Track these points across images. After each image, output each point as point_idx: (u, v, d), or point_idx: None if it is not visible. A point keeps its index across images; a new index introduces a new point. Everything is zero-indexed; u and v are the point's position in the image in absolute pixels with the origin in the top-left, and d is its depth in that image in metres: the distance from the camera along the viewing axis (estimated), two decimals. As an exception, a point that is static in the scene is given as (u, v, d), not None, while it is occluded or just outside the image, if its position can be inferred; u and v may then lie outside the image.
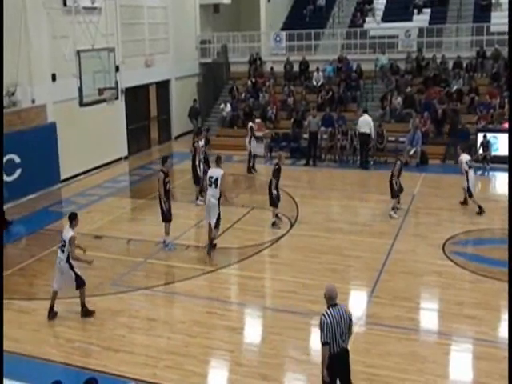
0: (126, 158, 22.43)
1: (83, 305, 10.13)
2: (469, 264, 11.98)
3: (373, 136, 20.10)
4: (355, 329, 8.46)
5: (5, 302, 10.14)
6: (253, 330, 10.12)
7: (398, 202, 15.29)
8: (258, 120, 22.69)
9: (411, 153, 19.99)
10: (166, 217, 13.01)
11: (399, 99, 22.31)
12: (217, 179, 12.66)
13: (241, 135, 22.72)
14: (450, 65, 23.61)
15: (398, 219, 14.71)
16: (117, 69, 17.42)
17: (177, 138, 26.02)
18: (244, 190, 18.21)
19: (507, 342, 8.62)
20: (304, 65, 25.34)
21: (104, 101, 16.26)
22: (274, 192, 14.26)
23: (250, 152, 19.76)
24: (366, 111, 20.44)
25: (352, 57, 25.14)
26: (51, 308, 10.16)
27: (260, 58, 26.50)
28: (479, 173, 19.14)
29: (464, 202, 15.51)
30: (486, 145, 19.60)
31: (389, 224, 14.50)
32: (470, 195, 15.15)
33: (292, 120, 22.57)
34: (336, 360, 6.90)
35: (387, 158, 19.61)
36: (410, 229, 14.28)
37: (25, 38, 16.75)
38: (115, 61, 16.92)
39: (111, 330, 9.76)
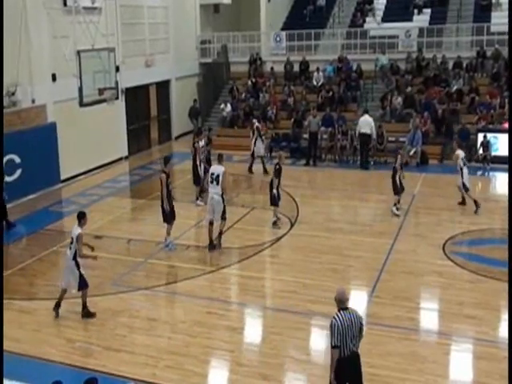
0: (126, 157, 22.43)
1: (84, 305, 10.13)
2: (469, 264, 11.98)
3: (374, 136, 20.11)
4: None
5: (5, 301, 10.13)
6: (253, 329, 10.12)
7: (398, 202, 15.29)
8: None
9: (411, 153, 20.00)
10: (168, 218, 13.01)
11: (399, 99, 22.31)
12: (218, 176, 12.79)
13: (241, 135, 22.76)
14: (450, 65, 23.61)
15: (399, 219, 14.71)
16: (117, 69, 17.43)
17: (177, 138, 26.02)
18: (244, 189, 18.21)
19: (507, 341, 8.62)
20: (304, 65, 25.34)
21: (104, 101, 16.25)
22: (274, 191, 14.27)
23: (253, 152, 19.64)
24: (366, 111, 20.44)
25: (352, 57, 25.14)
26: (58, 304, 10.14)
27: (260, 58, 26.51)
28: (479, 173, 19.19)
29: (462, 203, 15.52)
30: (486, 145, 19.61)
31: (389, 224, 14.51)
32: (467, 190, 15.22)
33: (292, 120, 22.57)
34: (346, 364, 6.83)
35: (387, 158, 19.60)
36: (411, 229, 14.29)
37: (25, 37, 16.75)
38: (115, 61, 16.91)
39: (111, 329, 9.76)
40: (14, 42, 16.13)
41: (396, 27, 25.86)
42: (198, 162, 16.40)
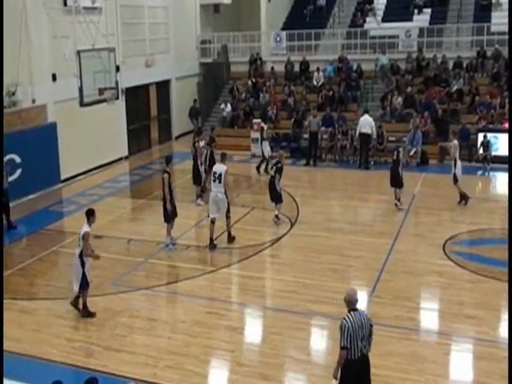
0: (126, 157, 22.44)
1: (84, 305, 10.13)
2: (469, 264, 11.98)
3: (374, 136, 20.12)
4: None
5: (5, 301, 10.12)
6: (253, 329, 10.12)
7: (399, 200, 15.34)
8: (257, 120, 22.70)
9: (411, 153, 20.00)
10: (169, 218, 13.02)
11: (399, 99, 22.31)
12: (220, 174, 12.95)
13: (241, 135, 22.77)
14: (451, 65, 23.61)
15: (399, 219, 14.71)
16: (117, 69, 17.43)
17: (177, 137, 26.02)
18: (244, 189, 18.21)
19: (507, 341, 8.63)
20: (304, 65, 25.34)
21: (104, 101, 16.25)
22: (278, 188, 14.43)
23: (263, 153, 19.59)
24: (366, 111, 20.45)
25: (352, 57, 25.15)
26: (84, 304, 10.13)
27: (260, 58, 26.50)
28: (479, 173, 19.20)
29: (461, 202, 15.60)
30: (487, 145, 19.62)
31: (389, 224, 14.52)
32: (456, 181, 15.40)
33: (292, 120, 22.57)
34: (356, 366, 6.79)
35: (387, 158, 19.59)
36: (411, 229, 14.29)
37: (25, 37, 16.75)
38: (115, 61, 16.92)
39: (112, 329, 9.76)
40: (14, 41, 16.13)
41: (396, 27, 25.85)
42: (198, 162, 16.43)
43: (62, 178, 18.70)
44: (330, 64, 25.13)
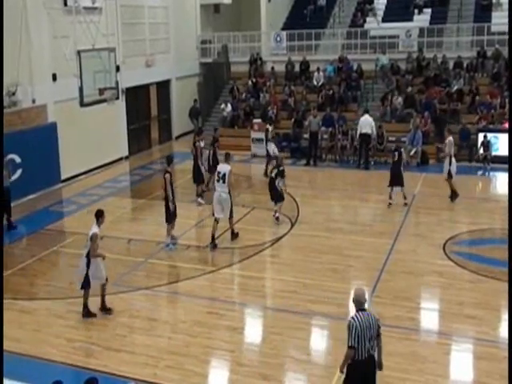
0: (126, 157, 22.44)
1: (85, 305, 10.13)
2: (469, 264, 11.98)
3: (374, 136, 20.12)
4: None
5: (5, 301, 10.12)
6: (253, 329, 10.12)
7: (405, 197, 15.51)
8: (258, 120, 22.71)
9: (412, 153, 20.00)
10: (171, 218, 13.03)
11: (400, 99, 22.30)
12: (224, 174, 13.06)
13: (241, 135, 22.76)
14: (451, 65, 23.60)
15: (399, 219, 14.71)
16: (117, 69, 17.44)
17: (177, 137, 26.02)
18: (245, 189, 18.20)
19: (507, 341, 8.62)
20: (304, 65, 25.33)
21: (104, 101, 16.25)
22: (280, 187, 14.54)
23: (268, 152, 19.54)
24: (367, 111, 20.44)
25: (352, 57, 25.14)
26: (103, 299, 10.15)
27: (260, 58, 26.49)
28: (480, 173, 19.21)
29: (452, 196, 15.85)
30: (487, 145, 19.61)
31: (389, 224, 14.52)
32: (450, 177, 15.59)
33: (292, 120, 22.56)
34: (363, 366, 6.76)
35: (387, 158, 19.58)
36: (411, 229, 14.29)
37: (25, 37, 16.76)
38: (116, 61, 16.92)
39: (112, 329, 9.76)
40: (15, 41, 16.13)
41: (396, 27, 25.84)
42: (199, 161, 16.45)
43: (63, 177, 18.70)
44: (331, 64, 25.11)
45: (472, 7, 26.60)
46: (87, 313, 10.12)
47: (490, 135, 19.85)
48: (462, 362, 8.85)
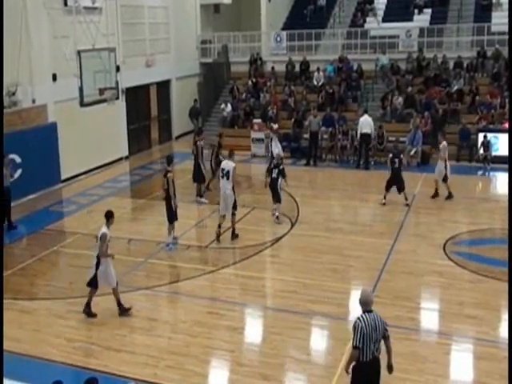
0: (126, 157, 22.44)
1: (88, 304, 10.11)
2: (469, 264, 11.98)
3: (373, 136, 20.12)
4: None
5: (5, 301, 10.11)
6: (253, 329, 10.13)
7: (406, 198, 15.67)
8: (258, 120, 22.71)
9: (412, 153, 20.00)
10: (174, 217, 13.04)
11: (400, 99, 22.30)
12: (228, 171, 13.30)
13: (241, 135, 22.75)
14: (451, 65, 23.59)
15: (399, 219, 14.71)
16: (117, 69, 17.44)
17: (177, 137, 26.02)
18: (245, 189, 18.20)
19: (507, 341, 8.61)
20: (305, 65, 25.33)
21: (105, 101, 16.25)
22: (280, 186, 14.68)
23: (272, 155, 19.44)
24: (366, 111, 20.45)
25: (352, 57, 25.14)
26: (118, 303, 10.14)
27: (260, 58, 26.49)
28: (480, 173, 19.21)
29: (436, 195, 16.12)
30: (487, 145, 19.61)
31: (389, 224, 14.52)
32: (445, 180, 15.79)
33: (292, 120, 22.55)
34: (367, 368, 6.73)
35: (387, 159, 19.56)
36: (411, 229, 14.29)
37: (25, 37, 16.75)
38: (116, 61, 16.92)
39: (112, 329, 9.76)
40: (15, 41, 16.13)
41: (396, 27, 25.83)
42: (200, 161, 16.48)
43: (63, 177, 18.70)
44: (331, 64, 25.11)
45: (472, 7, 26.60)
46: (88, 312, 10.11)
47: (490, 135, 19.85)
48: (462, 362, 8.85)
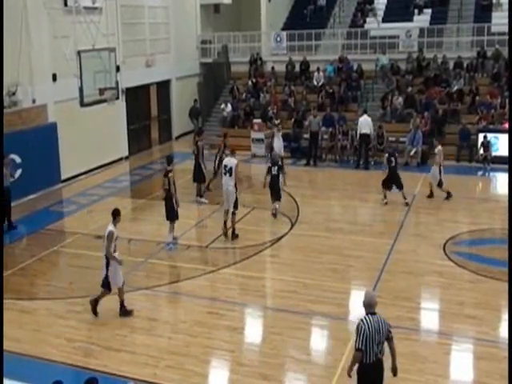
0: (126, 157, 22.43)
1: (96, 300, 10.08)
2: (469, 264, 11.99)
3: (372, 136, 20.13)
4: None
5: (5, 301, 10.11)
6: (253, 329, 10.13)
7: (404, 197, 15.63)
8: (258, 120, 22.70)
9: (412, 153, 20.00)
10: (175, 216, 13.06)
11: (400, 99, 22.30)
12: (231, 168, 13.41)
13: (241, 135, 22.75)
14: (451, 65, 23.59)
15: (399, 219, 14.72)
16: (117, 69, 17.43)
17: (177, 138, 26.02)
18: (245, 189, 18.19)
19: (507, 341, 8.61)
20: (305, 65, 25.34)
21: (105, 101, 16.24)
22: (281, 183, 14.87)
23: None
24: (365, 112, 20.45)
25: (353, 57, 25.14)
26: (121, 304, 10.13)
27: (261, 58, 26.50)
28: (480, 173, 19.21)
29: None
30: (487, 145, 19.61)
31: (389, 224, 14.52)
32: (440, 185, 15.84)
33: (293, 120, 22.55)
34: (371, 370, 6.70)
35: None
36: (411, 229, 14.29)
37: (25, 37, 16.75)
38: (116, 61, 16.91)
39: (112, 329, 9.76)
40: (15, 41, 16.13)
41: (396, 27, 25.84)
42: (200, 161, 16.49)
43: (63, 177, 18.70)
44: (331, 64, 25.12)
45: (472, 7, 26.60)
46: (93, 307, 10.07)
47: (490, 135, 19.84)
48: (462, 361, 8.85)
